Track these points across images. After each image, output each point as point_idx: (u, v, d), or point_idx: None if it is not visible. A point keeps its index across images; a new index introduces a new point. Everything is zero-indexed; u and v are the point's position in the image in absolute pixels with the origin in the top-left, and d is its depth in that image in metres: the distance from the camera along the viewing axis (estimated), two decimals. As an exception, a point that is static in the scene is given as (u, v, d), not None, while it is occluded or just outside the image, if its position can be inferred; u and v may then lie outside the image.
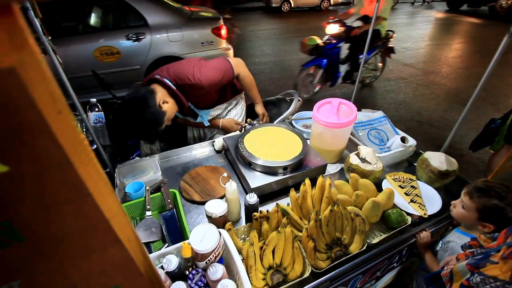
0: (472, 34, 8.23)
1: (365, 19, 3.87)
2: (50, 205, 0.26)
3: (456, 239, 1.12)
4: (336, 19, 3.91)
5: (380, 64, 4.54)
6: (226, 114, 1.83)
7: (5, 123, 0.21)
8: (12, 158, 0.22)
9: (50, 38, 1.11)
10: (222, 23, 3.91)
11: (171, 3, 3.86)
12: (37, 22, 1.00)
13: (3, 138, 0.21)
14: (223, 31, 3.88)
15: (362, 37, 3.76)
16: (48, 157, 0.23)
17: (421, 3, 14.04)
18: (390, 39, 4.13)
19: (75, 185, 0.26)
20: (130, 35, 3.44)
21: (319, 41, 3.85)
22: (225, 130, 1.82)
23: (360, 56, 3.96)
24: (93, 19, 3.52)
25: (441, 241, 1.21)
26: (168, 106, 1.44)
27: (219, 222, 1.07)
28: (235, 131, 1.77)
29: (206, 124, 1.74)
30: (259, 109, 1.85)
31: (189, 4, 4.62)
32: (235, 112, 1.84)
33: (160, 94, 1.41)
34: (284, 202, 1.20)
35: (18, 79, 0.20)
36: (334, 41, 3.82)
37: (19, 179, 0.23)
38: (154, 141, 1.73)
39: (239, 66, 1.64)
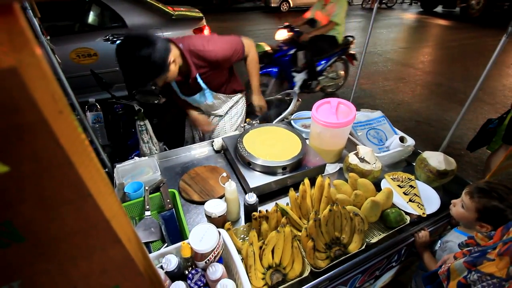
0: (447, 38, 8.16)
1: (311, 22, 3.66)
2: (51, 205, 0.26)
3: (455, 238, 1.12)
4: (287, 24, 3.65)
5: (342, 72, 4.22)
6: (227, 112, 1.81)
7: (6, 123, 0.21)
8: (13, 158, 0.22)
9: (48, 37, 1.10)
10: (205, 23, 3.83)
11: (152, 3, 3.76)
12: (35, 21, 1.00)
13: (3, 138, 0.21)
14: (206, 32, 3.79)
15: (315, 43, 3.54)
16: (49, 157, 0.23)
17: (414, 2, 13.82)
18: (351, 45, 3.85)
19: (76, 186, 0.26)
20: (108, 36, 3.36)
21: (267, 48, 3.61)
22: (193, 124, 1.78)
23: (318, 64, 3.68)
24: (69, 20, 3.43)
25: (439, 241, 1.22)
26: (173, 68, 1.41)
27: (219, 222, 1.07)
28: (201, 128, 1.73)
29: (210, 101, 1.68)
30: (257, 100, 1.80)
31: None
32: (236, 111, 1.84)
33: (173, 53, 1.39)
34: (283, 202, 1.20)
35: (19, 79, 0.20)
36: (285, 48, 3.56)
37: (19, 179, 0.23)
38: (138, 88, 1.66)
39: (250, 46, 1.64)
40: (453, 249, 1.09)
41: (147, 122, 1.69)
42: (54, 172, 0.24)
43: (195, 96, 1.67)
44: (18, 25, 0.19)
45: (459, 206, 1.12)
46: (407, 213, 1.20)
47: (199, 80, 1.57)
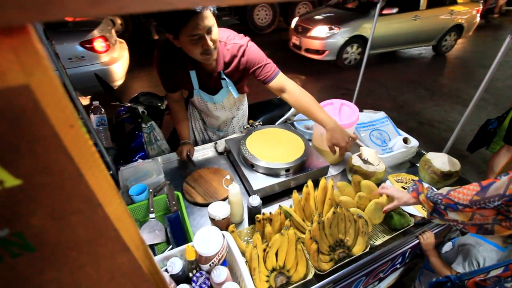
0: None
1: None
2: (61, 216, 0.26)
3: (473, 242, 1.11)
4: None
5: None
6: (237, 112, 1.77)
7: (19, 138, 0.21)
8: (25, 171, 0.23)
9: (53, 42, 1.11)
10: (97, 34, 3.44)
11: None
12: (40, 27, 1.01)
13: (16, 153, 0.22)
14: (97, 44, 3.43)
15: None
16: (60, 170, 0.24)
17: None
18: None
19: (86, 196, 0.26)
20: None
21: None
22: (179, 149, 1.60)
23: None
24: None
25: (450, 242, 1.20)
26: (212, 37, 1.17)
27: (222, 224, 1.07)
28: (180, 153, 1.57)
29: (236, 95, 1.50)
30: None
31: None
32: (242, 112, 1.83)
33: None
34: (286, 204, 1.20)
35: (32, 96, 0.20)
36: None
37: (31, 191, 0.24)
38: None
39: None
40: (471, 253, 1.08)
41: (153, 122, 1.69)
42: (65, 184, 0.25)
43: (216, 95, 1.52)
44: (31, 44, 0.19)
45: None
46: (411, 215, 1.19)
47: (223, 76, 1.41)
